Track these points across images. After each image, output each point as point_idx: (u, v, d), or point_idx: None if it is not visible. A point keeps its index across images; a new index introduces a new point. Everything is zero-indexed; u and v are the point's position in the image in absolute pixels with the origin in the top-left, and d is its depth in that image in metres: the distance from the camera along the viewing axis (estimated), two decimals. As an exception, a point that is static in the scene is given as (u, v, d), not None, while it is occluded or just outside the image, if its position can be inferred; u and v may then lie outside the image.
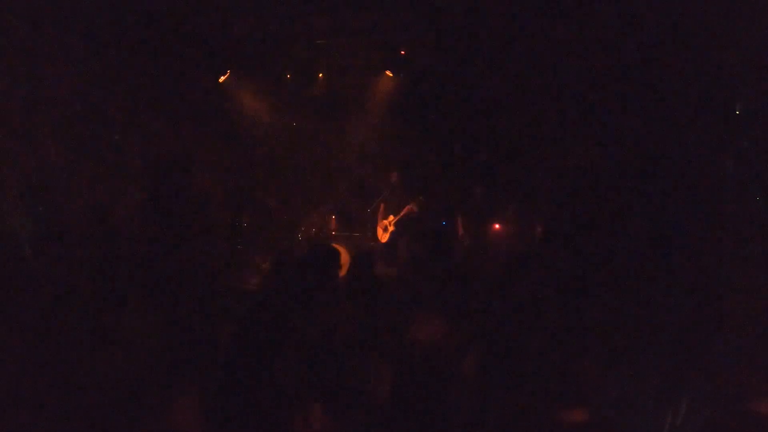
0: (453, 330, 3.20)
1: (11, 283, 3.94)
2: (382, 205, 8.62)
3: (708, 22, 5.97)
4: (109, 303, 3.66)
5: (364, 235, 8.95)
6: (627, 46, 6.80)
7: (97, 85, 7.71)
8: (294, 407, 2.55)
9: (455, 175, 9.13)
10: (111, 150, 8.09)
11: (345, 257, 7.66)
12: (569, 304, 4.13)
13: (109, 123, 8.09)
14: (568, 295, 4.33)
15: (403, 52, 8.54)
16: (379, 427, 3.05)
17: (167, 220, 7.67)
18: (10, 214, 6.00)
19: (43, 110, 7.09)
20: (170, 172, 8.39)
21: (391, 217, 8.47)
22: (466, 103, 8.84)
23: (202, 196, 8.89)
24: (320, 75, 9.35)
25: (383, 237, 8.58)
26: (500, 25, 7.05)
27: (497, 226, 8.17)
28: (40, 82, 6.98)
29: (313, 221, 9.23)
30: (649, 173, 7.09)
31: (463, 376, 3.24)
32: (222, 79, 9.08)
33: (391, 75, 9.07)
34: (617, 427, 2.43)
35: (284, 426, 2.51)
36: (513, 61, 7.90)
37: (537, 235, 7.67)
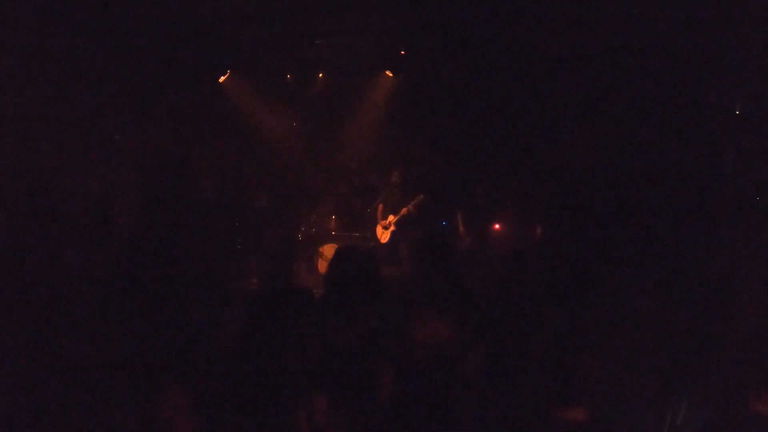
0: (454, 329, 3.20)
1: (11, 283, 3.94)
2: (380, 206, 8.62)
3: (708, 22, 5.97)
4: (108, 303, 3.66)
5: (364, 235, 8.95)
6: (627, 45, 6.80)
7: (97, 84, 7.70)
8: (296, 405, 2.55)
9: (455, 174, 9.13)
10: (111, 150, 8.10)
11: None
12: (569, 304, 4.13)
13: (109, 123, 8.09)
14: (568, 295, 4.34)
15: (403, 52, 8.54)
16: (381, 427, 3.05)
17: (167, 220, 7.67)
18: (9, 214, 5.99)
19: (44, 110, 7.09)
20: (170, 172, 8.39)
21: (391, 217, 8.46)
22: (465, 103, 8.84)
23: (201, 196, 8.90)
24: (320, 75, 9.36)
25: (383, 237, 8.57)
26: (500, 24, 7.05)
27: (497, 225, 8.17)
28: (39, 82, 6.98)
29: (313, 221, 9.23)
30: (649, 173, 7.10)
31: (463, 376, 3.24)
32: (222, 79, 9.08)
33: (391, 75, 9.07)
34: (617, 427, 2.43)
35: (285, 424, 2.51)
36: (513, 60, 7.91)
37: (537, 234, 7.67)
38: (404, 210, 8.32)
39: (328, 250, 8.48)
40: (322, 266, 8.37)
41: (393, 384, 3.10)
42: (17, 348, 2.89)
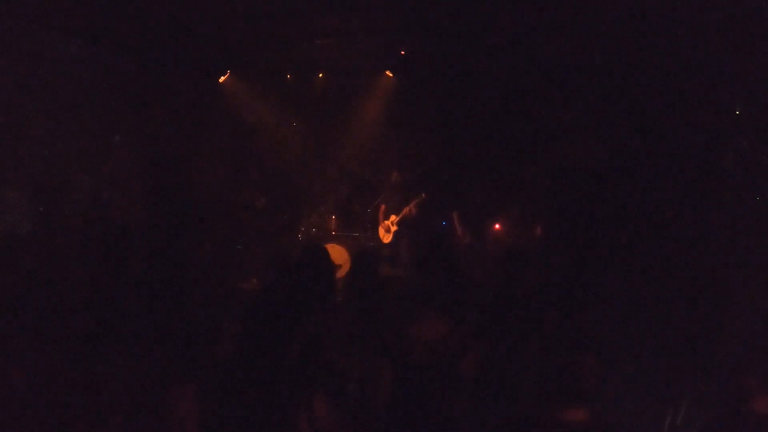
0: (454, 329, 3.21)
1: (11, 283, 3.95)
2: (382, 206, 8.61)
3: (708, 21, 5.97)
4: (108, 303, 3.66)
5: (364, 235, 8.95)
6: (627, 46, 6.80)
7: (98, 84, 7.71)
8: (295, 406, 2.55)
9: (455, 174, 9.13)
10: (111, 150, 8.10)
11: (345, 257, 7.68)
12: (569, 304, 4.13)
13: (110, 123, 8.09)
14: (568, 294, 4.33)
15: (403, 52, 8.54)
16: (380, 427, 3.05)
17: (167, 221, 7.67)
18: (10, 214, 6.00)
19: (44, 111, 7.09)
20: (170, 173, 8.40)
21: (393, 217, 8.46)
22: (465, 103, 8.84)
23: (202, 196, 8.90)
24: (320, 75, 9.36)
25: (385, 237, 8.57)
26: (500, 23, 7.05)
27: (497, 225, 8.18)
28: (40, 83, 6.99)
29: (313, 221, 9.23)
30: (649, 173, 7.10)
31: (464, 376, 3.24)
32: (222, 79, 9.08)
33: (391, 75, 9.06)
34: (617, 427, 2.43)
35: (285, 424, 2.51)
36: (513, 60, 7.91)
37: (537, 234, 7.68)
38: (406, 209, 8.32)
39: (329, 250, 8.47)
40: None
41: (393, 383, 3.10)
42: (18, 349, 2.89)
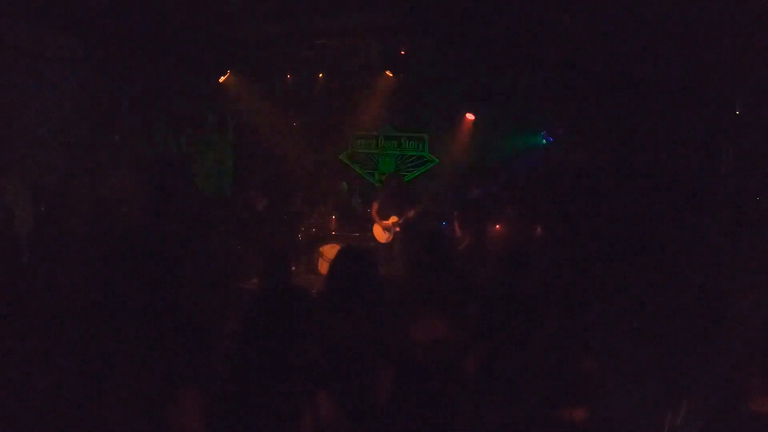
0: (454, 329, 3.21)
1: (12, 283, 3.95)
2: (375, 205, 8.58)
3: (708, 22, 5.97)
4: (109, 302, 3.66)
5: (364, 235, 8.94)
6: (627, 46, 6.80)
7: (98, 85, 7.71)
8: (298, 406, 2.55)
9: (454, 174, 9.14)
10: (111, 150, 8.10)
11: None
12: (569, 304, 4.14)
13: (110, 123, 8.09)
14: (567, 295, 4.34)
15: (403, 52, 8.54)
16: (382, 427, 3.05)
17: (167, 221, 7.67)
18: (10, 214, 5.99)
19: (44, 111, 7.10)
20: (170, 173, 8.40)
21: (394, 218, 8.42)
22: (465, 102, 8.85)
23: (201, 196, 8.90)
24: (320, 75, 9.36)
25: (383, 237, 8.54)
26: (500, 23, 7.05)
27: (497, 225, 8.17)
28: (40, 83, 6.99)
29: (313, 221, 9.23)
30: (649, 173, 7.10)
31: (464, 376, 3.24)
32: (222, 79, 9.08)
33: (391, 75, 9.07)
34: (617, 427, 2.43)
35: (289, 425, 2.51)
36: (513, 59, 7.91)
37: (537, 234, 7.67)
38: (409, 212, 8.28)
39: (329, 250, 8.47)
40: (323, 266, 8.35)
41: (393, 384, 3.10)
42: (19, 351, 2.89)
